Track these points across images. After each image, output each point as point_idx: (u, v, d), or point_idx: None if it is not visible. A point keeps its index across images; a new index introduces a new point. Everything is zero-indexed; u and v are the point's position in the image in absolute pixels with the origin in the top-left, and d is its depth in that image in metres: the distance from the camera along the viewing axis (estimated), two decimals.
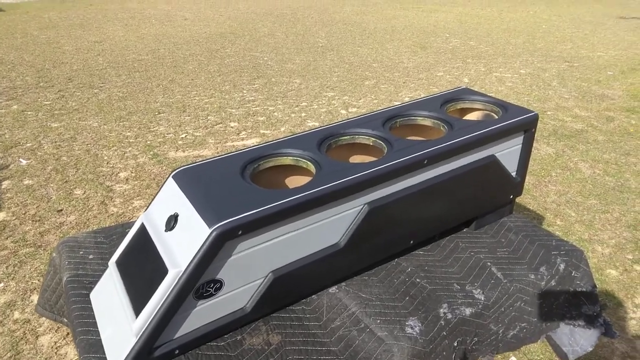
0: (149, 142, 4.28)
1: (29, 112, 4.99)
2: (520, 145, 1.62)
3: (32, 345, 2.12)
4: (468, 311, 1.29)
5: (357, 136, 1.52)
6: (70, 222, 3.04)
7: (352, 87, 6.02)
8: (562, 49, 8.23)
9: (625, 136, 4.58)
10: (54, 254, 1.54)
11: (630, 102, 5.57)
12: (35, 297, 2.42)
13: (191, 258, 1.06)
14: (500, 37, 9.17)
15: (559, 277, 1.48)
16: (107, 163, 3.87)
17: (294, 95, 5.67)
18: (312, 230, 1.22)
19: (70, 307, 1.31)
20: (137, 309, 1.09)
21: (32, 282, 2.50)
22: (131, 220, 3.08)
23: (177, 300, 1.06)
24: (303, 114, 5.05)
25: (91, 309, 1.27)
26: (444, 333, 1.24)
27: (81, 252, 1.48)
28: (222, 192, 1.19)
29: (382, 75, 6.57)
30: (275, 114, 5.06)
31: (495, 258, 1.52)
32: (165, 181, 1.32)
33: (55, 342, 2.15)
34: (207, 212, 1.12)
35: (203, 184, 1.24)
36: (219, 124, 4.76)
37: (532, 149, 4.32)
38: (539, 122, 5.01)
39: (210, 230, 1.06)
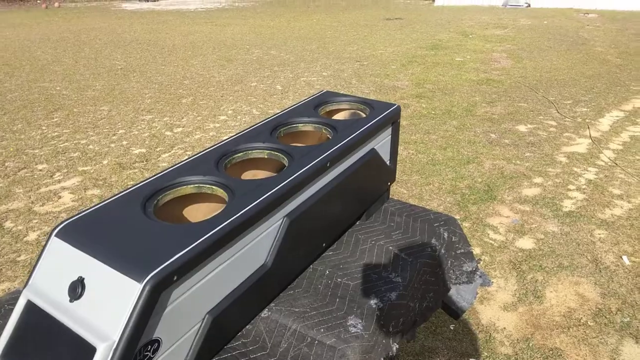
0: None
1: None
2: (390, 136, 1.77)
3: None
4: (393, 295, 1.37)
5: (250, 151, 1.46)
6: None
7: (170, 106, 5.74)
8: (351, 51, 9.20)
9: (422, 118, 5.35)
10: None
11: (416, 89, 6.53)
12: None
13: (123, 323, 0.88)
14: (296, 45, 9.79)
15: (445, 244, 1.66)
16: None
17: (107, 124, 5.14)
18: (240, 256, 1.13)
19: None
20: None
21: None
22: None
23: None
24: (124, 142, 4.62)
25: None
26: (381, 322, 1.28)
27: None
28: (131, 238, 1.02)
29: (198, 91, 6.42)
30: (91, 146, 4.52)
31: (393, 241, 1.63)
32: (47, 243, 1.07)
33: None
34: (127, 265, 0.94)
35: (103, 234, 1.04)
36: (22, 169, 4.03)
37: None
38: None
39: (141, 285, 0.89)
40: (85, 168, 4.04)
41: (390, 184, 1.89)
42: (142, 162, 4.16)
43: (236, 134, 1.55)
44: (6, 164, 4.13)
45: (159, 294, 0.92)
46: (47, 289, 1.01)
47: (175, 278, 0.94)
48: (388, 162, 1.81)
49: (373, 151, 1.63)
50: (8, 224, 3.17)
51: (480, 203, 3.44)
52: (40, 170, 4.02)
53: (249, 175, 1.62)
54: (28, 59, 8.41)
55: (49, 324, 0.95)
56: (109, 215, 1.11)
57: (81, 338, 0.90)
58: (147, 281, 0.90)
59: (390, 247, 1.60)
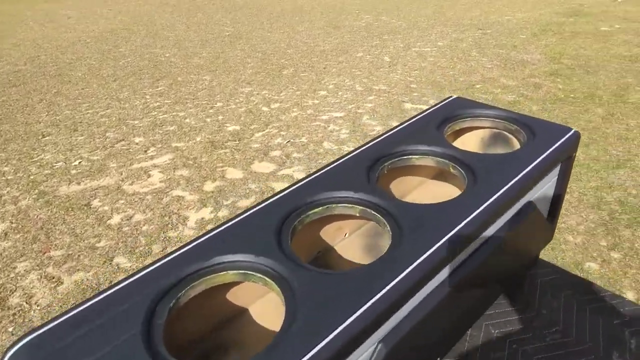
0: (32, 177, 3.46)
1: None
2: (556, 179, 1.19)
3: None
4: None
5: (333, 205, 0.98)
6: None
7: (270, 78, 5.45)
8: (472, 16, 8.17)
9: (557, 103, 4.45)
10: None
11: (551, 65, 5.51)
12: None
13: None
14: (409, 10, 8.96)
15: None
16: None
17: (206, 95, 4.99)
18: None
19: None
20: None
21: None
22: (26, 312, 2.37)
23: None
24: (220, 117, 4.42)
25: None
26: None
27: None
28: None
29: (300, 61, 6.05)
30: (187, 120, 4.38)
31: (546, 349, 1.07)
32: None
33: None
34: None
35: None
36: (120, 141, 4.01)
37: None
38: (469, 97, 4.79)
39: None
40: (178, 144, 3.90)
41: (545, 245, 1.31)
42: (235, 141, 3.92)
43: (321, 170, 1.07)
44: (107, 134, 4.14)
45: None
46: None
47: None
48: (546, 217, 1.23)
49: (529, 206, 1.07)
50: (95, 203, 3.10)
51: (637, 226, 2.65)
52: (137, 143, 3.95)
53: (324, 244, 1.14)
54: (145, 24, 8.67)
55: None
56: (88, 339, 0.70)
57: None
58: None
59: None
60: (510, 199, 0.97)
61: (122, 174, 3.47)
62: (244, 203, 3.01)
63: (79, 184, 3.36)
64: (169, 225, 2.82)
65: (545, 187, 1.15)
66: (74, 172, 3.52)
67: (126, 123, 4.37)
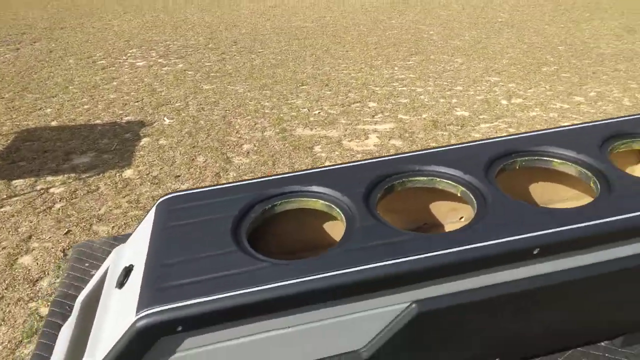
0: (282, 115, 4.16)
1: (189, 72, 5.29)
2: None
3: None
4: None
5: (437, 179, 1.01)
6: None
7: (524, 72, 5.09)
8: None
9: None
10: (69, 257, 1.40)
11: None
12: None
13: (108, 352, 0.76)
14: None
15: None
16: (237, 132, 3.86)
17: (450, 77, 5.00)
18: (312, 330, 0.82)
19: (39, 337, 1.13)
20: None
21: None
22: None
23: None
24: (453, 100, 4.41)
25: (52, 346, 1.08)
26: None
27: (87, 265, 1.31)
28: (192, 251, 0.85)
29: (568, 61, 5.43)
30: (422, 97, 4.51)
31: None
32: (150, 210, 1.03)
33: None
34: (148, 285, 0.79)
35: (178, 229, 0.91)
36: (357, 102, 4.42)
37: None
38: None
39: (134, 319, 0.74)
40: (404, 117, 4.09)
41: None
42: (458, 126, 3.89)
43: (434, 148, 1.07)
44: (349, 94, 4.61)
45: (154, 339, 0.74)
46: (121, 261, 0.98)
47: (179, 329, 0.73)
48: None
49: None
50: (317, 149, 3.57)
51: None
52: (369, 107, 4.30)
53: (425, 217, 1.15)
54: (422, 1, 8.96)
55: (98, 297, 0.92)
56: (209, 210, 0.95)
57: (86, 338, 0.83)
58: (141, 318, 0.73)
59: None
60: (626, 228, 0.82)
61: (346, 130, 3.87)
62: None
63: (311, 129, 3.89)
64: None
65: None
66: (312, 119, 4.09)
67: (368, 88, 4.76)
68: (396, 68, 5.33)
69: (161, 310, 0.74)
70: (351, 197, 0.94)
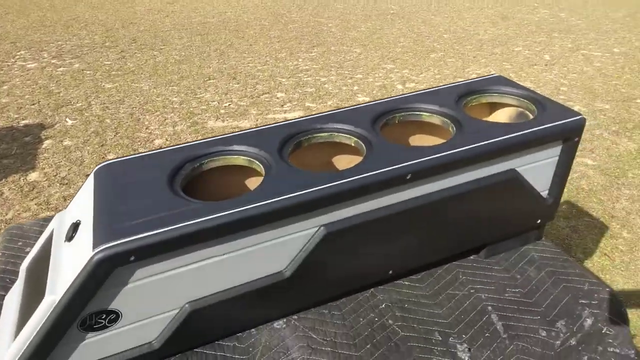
0: (191, 109, 4.20)
1: (88, 72, 5.10)
2: (557, 158, 1.25)
3: None
4: None
5: (335, 134, 1.23)
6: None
7: (415, 59, 5.56)
8: None
9: None
10: (0, 240, 1.44)
11: None
12: None
13: (69, 285, 0.87)
14: (596, 9, 8.08)
15: (582, 335, 1.13)
16: (146, 128, 3.84)
17: (350, 66, 5.33)
18: (243, 256, 0.99)
19: None
20: (18, 332, 0.94)
21: None
22: None
23: (56, 330, 0.89)
24: (355, 87, 4.72)
25: None
26: None
27: (20, 243, 1.36)
28: (136, 200, 0.98)
29: (452, 47, 6.01)
30: (326, 85, 4.78)
31: (500, 301, 1.19)
32: (88, 176, 1.14)
33: None
34: (101, 228, 0.91)
35: (120, 186, 1.03)
36: (265, 93, 4.57)
37: (611, 144, 3.71)
38: (624, 112, 4.33)
39: (92, 254, 0.86)
40: (311, 104, 4.32)
41: (543, 222, 1.36)
42: None
43: (339, 109, 1.31)
44: (257, 86, 4.74)
45: (110, 269, 0.87)
46: (66, 220, 1.08)
47: (132, 258, 0.87)
48: (544, 193, 1.30)
49: (511, 173, 1.17)
50: None
51: None
52: (278, 97, 4.48)
53: (322, 165, 1.39)
54: None
55: (47, 256, 1.02)
56: (143, 168, 1.09)
57: (45, 283, 0.93)
58: (98, 252, 0.85)
59: (489, 308, 1.17)
60: (484, 154, 1.10)
61: (257, 120, 4.01)
62: None
63: (223, 121, 3.98)
64: None
65: (541, 163, 1.22)
66: (222, 111, 4.18)
67: (275, 79, 4.93)
68: (300, 60, 5.55)
69: (115, 244, 0.87)
70: (267, 151, 1.12)
